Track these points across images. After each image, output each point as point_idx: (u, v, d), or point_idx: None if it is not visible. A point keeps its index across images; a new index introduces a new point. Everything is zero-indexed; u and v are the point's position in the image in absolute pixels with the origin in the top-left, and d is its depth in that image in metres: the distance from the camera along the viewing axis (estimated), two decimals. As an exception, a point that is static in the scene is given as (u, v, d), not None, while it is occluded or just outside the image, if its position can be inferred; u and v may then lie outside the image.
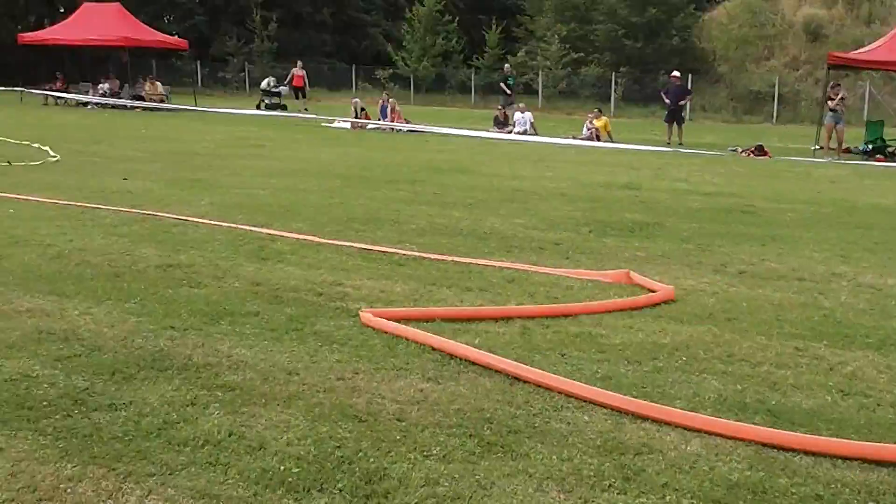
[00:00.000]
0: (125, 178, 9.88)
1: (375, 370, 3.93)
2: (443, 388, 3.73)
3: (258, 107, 26.98)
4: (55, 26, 30.36)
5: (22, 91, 25.30)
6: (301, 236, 6.89)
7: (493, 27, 39.03)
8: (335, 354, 4.12)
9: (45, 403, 3.41)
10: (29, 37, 28.42)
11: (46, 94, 25.86)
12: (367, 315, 4.60)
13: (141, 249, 6.24)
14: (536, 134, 20.30)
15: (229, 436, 3.16)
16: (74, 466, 2.89)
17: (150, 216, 7.59)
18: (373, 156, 14.04)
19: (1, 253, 5.94)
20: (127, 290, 5.11)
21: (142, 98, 25.48)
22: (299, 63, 28.46)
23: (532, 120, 21.02)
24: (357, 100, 23.49)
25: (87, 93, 26.49)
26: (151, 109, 24.44)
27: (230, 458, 2.98)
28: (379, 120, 21.60)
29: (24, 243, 6.26)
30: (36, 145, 13.41)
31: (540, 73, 34.76)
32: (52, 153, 12.32)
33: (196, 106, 24.52)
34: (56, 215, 7.50)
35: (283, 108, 26.88)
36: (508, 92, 24.24)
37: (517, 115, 21.23)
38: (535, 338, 4.47)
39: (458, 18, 40.02)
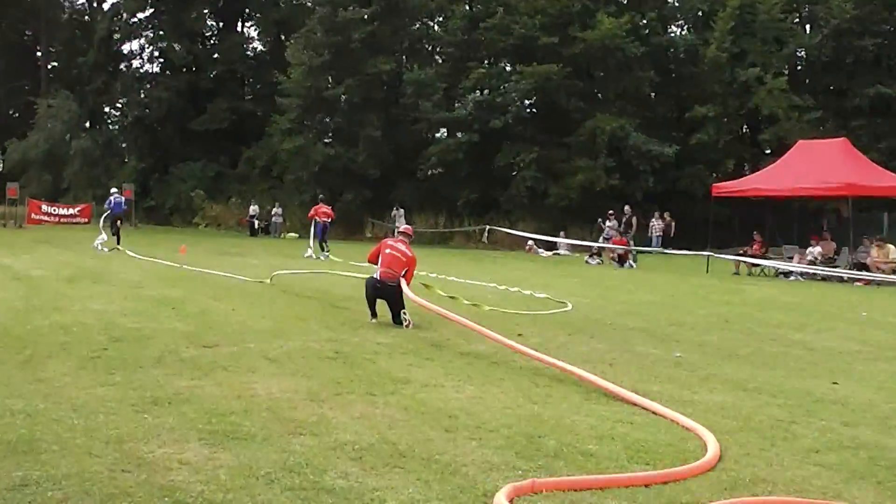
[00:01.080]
0: (835, 383, 8.82)
1: None
2: None
3: None
4: (756, 173, 30.43)
5: (709, 256, 25.21)
6: None
7: None
8: None
9: None
10: (723, 187, 28.69)
11: (738, 260, 25.40)
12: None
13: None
14: None
15: None
16: None
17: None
18: None
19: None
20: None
21: (865, 266, 23.91)
22: None
23: None
24: None
25: (791, 258, 25.91)
26: (878, 283, 22.80)
27: None
28: None
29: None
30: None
31: None
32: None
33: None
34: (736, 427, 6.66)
35: None
36: None
37: None
38: None
39: None
